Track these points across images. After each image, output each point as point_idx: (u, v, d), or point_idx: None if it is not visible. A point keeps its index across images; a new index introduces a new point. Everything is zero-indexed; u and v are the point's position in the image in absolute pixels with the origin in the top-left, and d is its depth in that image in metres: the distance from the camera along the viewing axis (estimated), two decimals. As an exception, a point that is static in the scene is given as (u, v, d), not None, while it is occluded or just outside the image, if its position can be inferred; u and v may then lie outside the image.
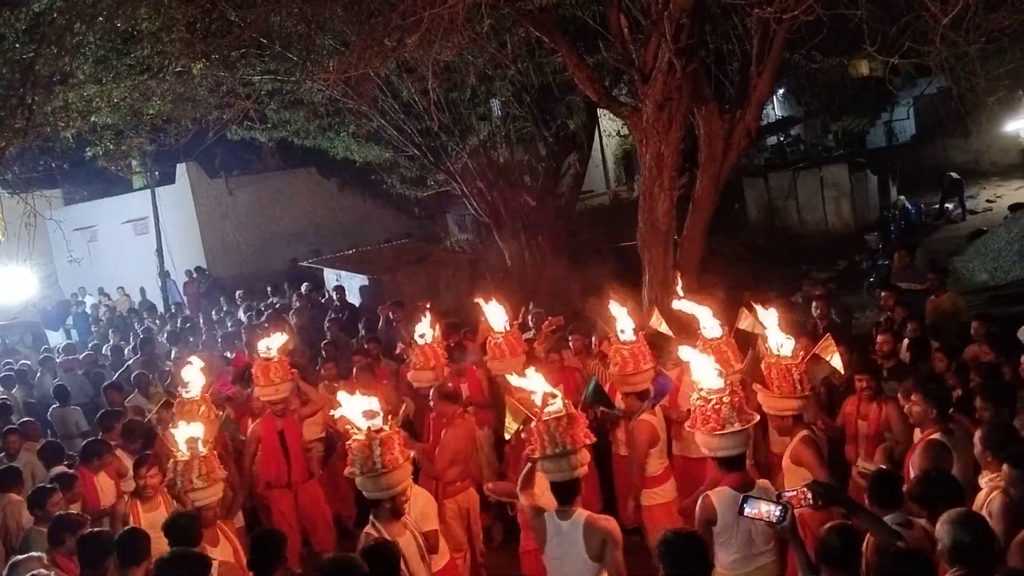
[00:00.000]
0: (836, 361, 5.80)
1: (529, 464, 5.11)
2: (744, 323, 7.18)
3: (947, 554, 3.78)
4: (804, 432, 5.67)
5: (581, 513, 4.91)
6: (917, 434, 5.85)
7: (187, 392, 7.39)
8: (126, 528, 5.79)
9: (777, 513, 4.01)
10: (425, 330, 8.40)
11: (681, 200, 10.52)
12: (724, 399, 4.90)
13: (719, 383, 5.01)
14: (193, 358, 7.94)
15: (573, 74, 10.42)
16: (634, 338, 7.07)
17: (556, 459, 4.84)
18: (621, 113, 10.70)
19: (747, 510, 4.10)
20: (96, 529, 5.97)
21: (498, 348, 8.08)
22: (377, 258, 16.90)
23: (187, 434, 5.95)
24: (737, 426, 4.88)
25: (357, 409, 5.27)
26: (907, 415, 5.95)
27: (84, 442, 8.07)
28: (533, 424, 4.94)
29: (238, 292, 19.00)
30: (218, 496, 5.95)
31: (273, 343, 8.16)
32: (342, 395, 5.47)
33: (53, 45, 9.49)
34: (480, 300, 8.57)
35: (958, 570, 3.67)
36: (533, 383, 5.07)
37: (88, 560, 5.40)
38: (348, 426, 5.33)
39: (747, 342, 6.95)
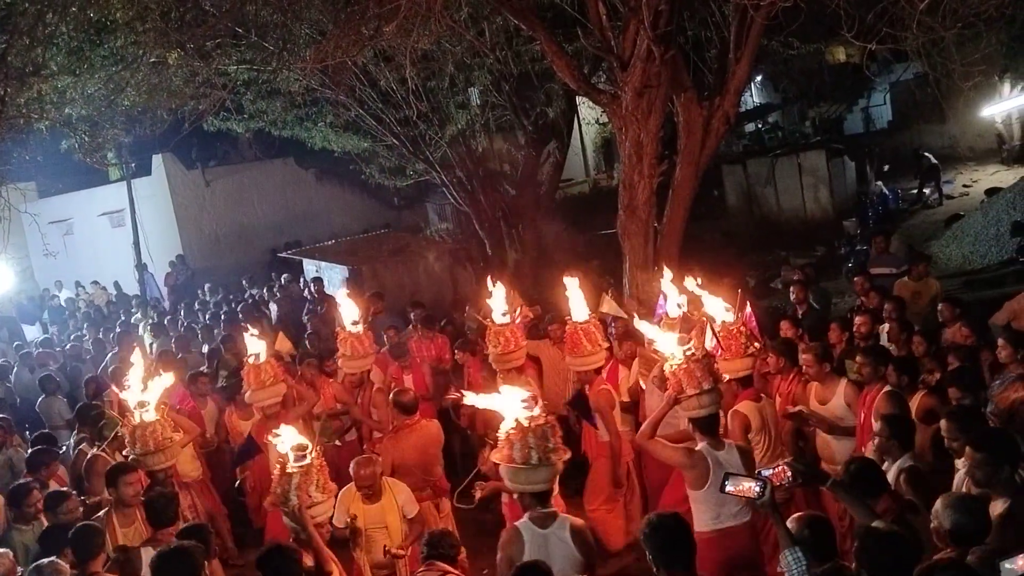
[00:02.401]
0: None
1: None
2: (605, 307, 8.17)
3: (946, 536, 3.85)
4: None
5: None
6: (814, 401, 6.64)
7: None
8: (80, 524, 5.57)
9: (757, 489, 4.09)
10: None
11: (661, 187, 10.54)
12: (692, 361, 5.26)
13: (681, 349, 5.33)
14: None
15: (552, 62, 10.39)
16: (508, 321, 7.55)
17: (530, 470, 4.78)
18: (600, 101, 10.69)
19: (728, 487, 4.18)
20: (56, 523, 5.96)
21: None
22: (356, 249, 16.81)
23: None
24: (707, 385, 5.29)
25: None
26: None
27: (32, 450, 7.79)
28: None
29: (206, 286, 18.90)
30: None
31: (260, 346, 7.78)
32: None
33: (25, 36, 9.37)
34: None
35: (955, 550, 3.73)
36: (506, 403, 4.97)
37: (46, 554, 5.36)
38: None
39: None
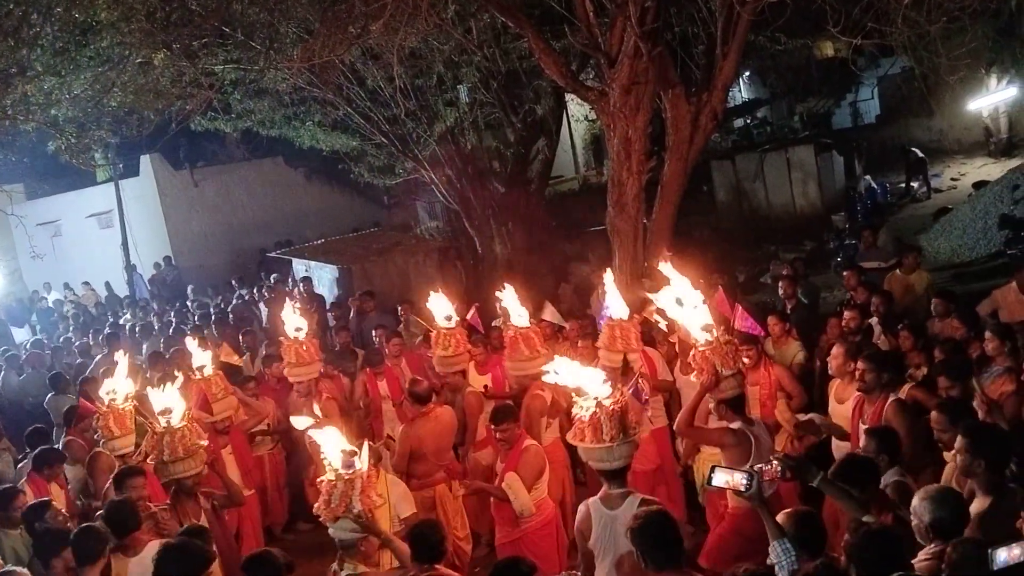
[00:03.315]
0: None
1: None
2: (546, 314, 8.57)
3: (926, 530, 3.85)
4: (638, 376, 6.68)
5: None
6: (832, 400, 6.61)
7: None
8: (85, 525, 5.57)
9: (745, 482, 4.09)
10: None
11: (650, 184, 10.56)
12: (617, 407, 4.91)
13: (607, 390, 4.93)
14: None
15: (539, 59, 10.39)
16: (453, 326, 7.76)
17: None
18: (588, 97, 10.70)
19: (715, 480, 4.19)
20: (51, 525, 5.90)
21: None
22: (346, 248, 16.79)
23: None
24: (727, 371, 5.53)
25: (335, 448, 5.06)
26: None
27: (38, 449, 7.74)
28: None
29: (189, 288, 18.84)
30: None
31: (205, 358, 7.71)
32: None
33: (10, 37, 9.34)
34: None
35: (937, 545, 3.73)
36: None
37: (40, 552, 5.35)
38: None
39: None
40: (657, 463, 7.47)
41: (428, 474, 7.10)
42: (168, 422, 5.99)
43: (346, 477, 4.80)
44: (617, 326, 7.07)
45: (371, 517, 4.81)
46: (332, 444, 4.95)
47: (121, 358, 7.38)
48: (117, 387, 6.97)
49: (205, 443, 6.23)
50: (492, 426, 6.39)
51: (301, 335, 8.31)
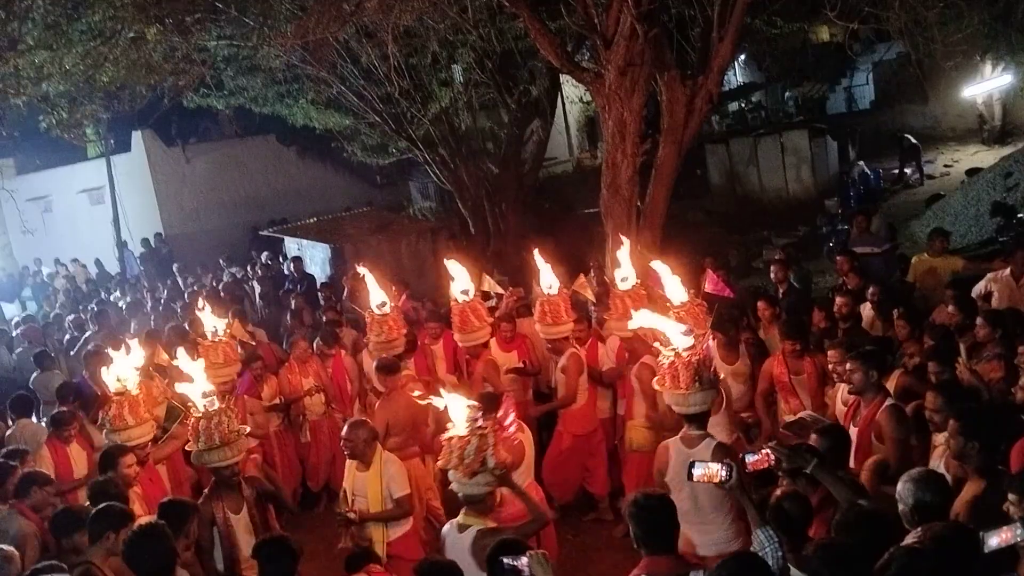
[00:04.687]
0: (589, 294, 8.42)
1: None
2: (485, 285, 8.85)
3: (909, 514, 3.86)
4: (572, 350, 7.58)
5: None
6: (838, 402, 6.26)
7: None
8: (107, 504, 5.41)
9: (723, 474, 4.08)
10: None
11: (644, 166, 10.53)
12: (694, 358, 5.17)
13: (688, 341, 5.23)
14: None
15: (535, 39, 10.34)
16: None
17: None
18: (583, 79, 10.65)
19: (695, 473, 4.18)
20: (68, 506, 5.85)
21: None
22: (339, 227, 16.74)
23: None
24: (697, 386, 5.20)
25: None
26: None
27: (54, 412, 7.82)
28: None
29: (175, 266, 18.78)
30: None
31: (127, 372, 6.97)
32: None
33: (1, 10, 9.24)
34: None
35: (922, 529, 3.74)
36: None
37: (58, 532, 5.30)
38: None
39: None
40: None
41: (401, 447, 7.15)
42: (207, 406, 5.71)
43: (480, 433, 4.83)
44: (547, 301, 7.57)
45: (508, 470, 4.92)
46: (457, 403, 5.01)
47: (132, 342, 7.30)
48: (128, 373, 6.71)
49: (247, 429, 6.04)
50: None
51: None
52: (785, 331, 7.26)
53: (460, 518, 4.85)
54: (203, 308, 8.55)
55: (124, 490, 5.75)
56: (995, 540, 3.28)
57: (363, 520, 6.07)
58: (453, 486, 4.88)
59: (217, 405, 5.72)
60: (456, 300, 7.94)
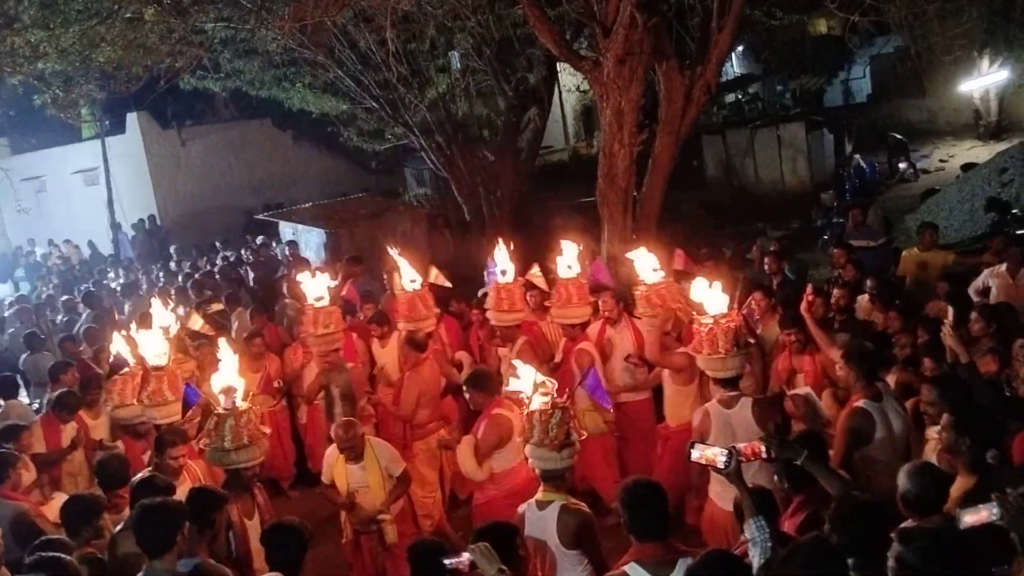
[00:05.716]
0: (541, 283, 8.41)
1: None
2: (431, 277, 8.92)
3: (904, 504, 3.88)
4: (524, 338, 7.74)
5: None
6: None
7: None
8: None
9: (723, 459, 4.08)
10: None
11: (641, 156, 10.53)
12: (732, 324, 5.58)
13: (723, 307, 5.70)
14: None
15: (534, 27, 10.31)
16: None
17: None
18: (582, 67, 10.63)
19: (694, 455, 4.18)
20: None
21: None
22: (334, 212, 16.70)
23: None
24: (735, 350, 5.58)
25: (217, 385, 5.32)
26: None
27: (58, 392, 7.75)
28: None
29: (172, 247, 18.74)
30: None
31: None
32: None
33: (-3, -13, 9.19)
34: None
35: (914, 520, 3.76)
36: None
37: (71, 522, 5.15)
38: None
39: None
40: None
41: (430, 421, 7.43)
42: (233, 403, 5.36)
43: (561, 406, 4.77)
44: (502, 288, 7.72)
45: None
46: (528, 376, 4.92)
47: (159, 309, 7.33)
48: (159, 345, 6.48)
49: (268, 431, 5.67)
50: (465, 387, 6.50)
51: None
52: (785, 321, 7.25)
53: (539, 495, 4.76)
54: (151, 306, 8.10)
55: (169, 482, 5.41)
56: (970, 518, 3.29)
57: (380, 513, 6.14)
58: (531, 462, 4.82)
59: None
60: (403, 289, 8.16)
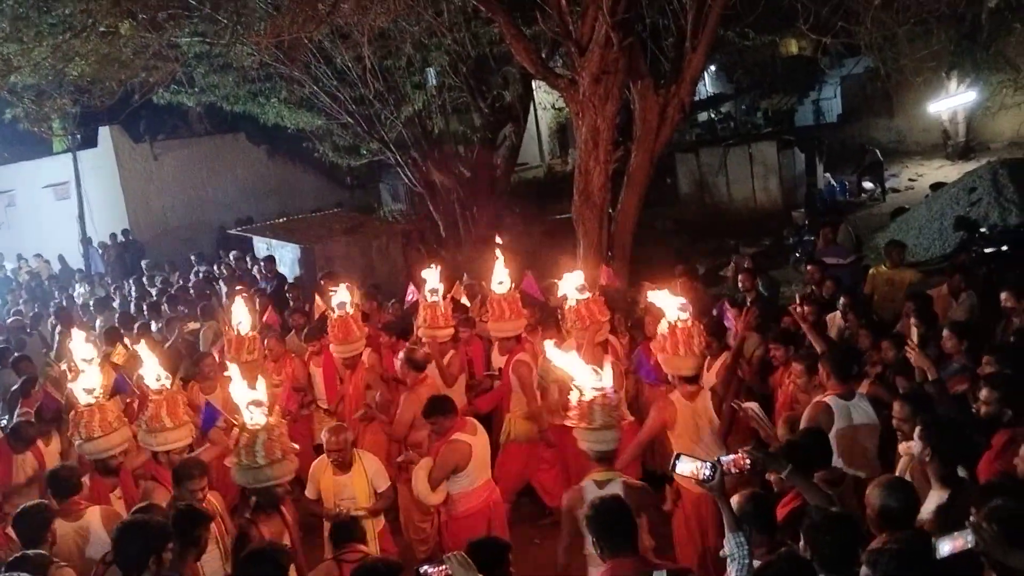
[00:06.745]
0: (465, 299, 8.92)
1: None
2: (357, 297, 8.85)
3: (876, 519, 3.91)
4: (453, 352, 7.91)
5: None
6: None
7: None
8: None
9: (706, 472, 4.06)
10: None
11: (616, 174, 10.60)
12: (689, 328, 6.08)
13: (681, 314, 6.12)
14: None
15: (510, 45, 10.38)
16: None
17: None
18: (558, 85, 10.71)
19: (679, 468, 4.16)
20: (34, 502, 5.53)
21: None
22: (308, 227, 16.64)
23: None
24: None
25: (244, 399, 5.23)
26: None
27: (14, 423, 7.44)
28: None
29: (143, 262, 18.56)
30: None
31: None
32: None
33: (-31, 0, 9.12)
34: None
35: (887, 535, 3.77)
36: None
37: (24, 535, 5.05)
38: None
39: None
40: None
41: (425, 441, 7.13)
42: (256, 420, 5.18)
43: (603, 393, 5.19)
44: (430, 307, 7.98)
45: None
46: (582, 367, 5.35)
47: (142, 348, 6.75)
48: (158, 369, 6.23)
49: (297, 448, 5.45)
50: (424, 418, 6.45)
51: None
52: (772, 337, 7.47)
53: (596, 475, 5.13)
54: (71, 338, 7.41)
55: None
56: (947, 547, 3.29)
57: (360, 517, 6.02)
58: (583, 445, 5.22)
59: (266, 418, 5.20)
60: (335, 312, 8.23)
